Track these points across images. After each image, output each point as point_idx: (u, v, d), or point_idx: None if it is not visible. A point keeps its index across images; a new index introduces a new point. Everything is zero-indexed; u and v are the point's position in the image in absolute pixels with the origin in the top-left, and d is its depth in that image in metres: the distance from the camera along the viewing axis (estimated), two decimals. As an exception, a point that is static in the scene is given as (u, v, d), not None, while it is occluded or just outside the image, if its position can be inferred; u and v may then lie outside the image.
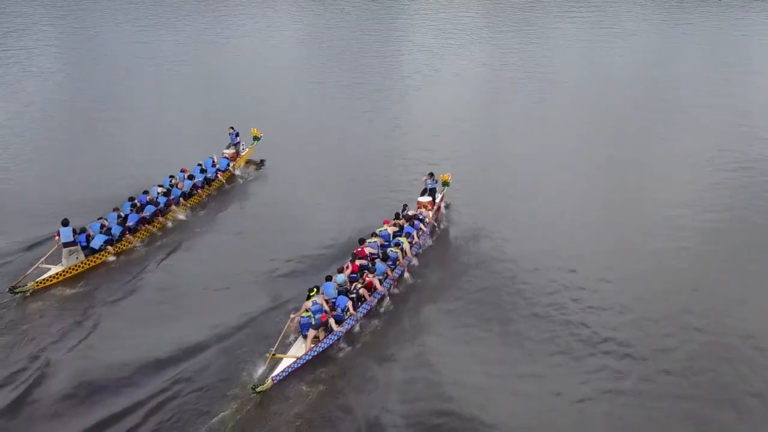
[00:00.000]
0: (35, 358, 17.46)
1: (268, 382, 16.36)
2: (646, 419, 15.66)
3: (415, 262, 21.72)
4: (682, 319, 18.88)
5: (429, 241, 23.09)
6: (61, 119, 35.13)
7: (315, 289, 18.71)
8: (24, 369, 17.05)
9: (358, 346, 18.15)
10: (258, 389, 16.11)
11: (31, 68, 43.68)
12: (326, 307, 18.09)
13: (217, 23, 57.11)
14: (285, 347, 17.76)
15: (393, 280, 20.47)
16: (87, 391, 16.39)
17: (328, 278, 19.29)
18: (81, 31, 55.16)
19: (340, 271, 19.91)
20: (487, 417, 15.63)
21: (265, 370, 16.93)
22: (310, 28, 56.45)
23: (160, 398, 16.09)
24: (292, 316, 18.14)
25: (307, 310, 17.88)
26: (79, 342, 18.21)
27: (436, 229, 23.83)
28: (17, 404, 15.98)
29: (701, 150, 30.18)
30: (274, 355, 17.26)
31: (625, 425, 15.55)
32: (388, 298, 19.98)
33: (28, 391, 16.36)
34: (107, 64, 45.33)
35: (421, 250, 22.38)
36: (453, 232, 24.04)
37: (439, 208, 24.37)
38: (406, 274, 21.09)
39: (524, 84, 39.90)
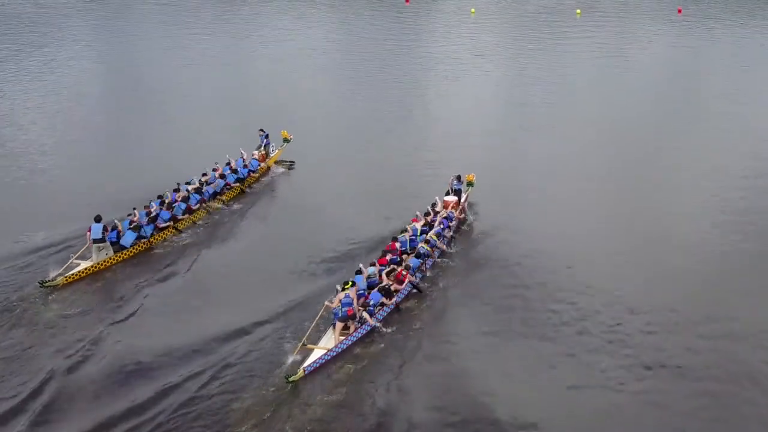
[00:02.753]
0: (65, 347, 17.01)
1: (300, 373, 15.89)
2: (667, 421, 15.02)
3: (442, 258, 21.22)
4: (705, 326, 18.13)
5: (455, 236, 22.66)
6: (98, 120, 34.96)
7: (351, 282, 18.24)
8: (54, 358, 16.59)
9: (386, 339, 17.64)
10: (290, 379, 15.65)
11: (70, 72, 43.57)
12: (355, 302, 17.55)
13: (248, 31, 56.92)
14: (316, 338, 17.24)
15: (423, 272, 20.10)
16: (116, 381, 15.95)
17: (358, 271, 18.89)
18: (119, 37, 55.34)
19: (372, 264, 19.44)
20: (511, 414, 15.07)
21: (297, 360, 16.43)
22: (340, 35, 56.25)
23: (192, 385, 15.63)
24: (327, 303, 17.68)
25: (339, 302, 17.41)
26: (109, 333, 17.73)
27: (461, 227, 23.38)
28: (55, 391, 15.55)
29: (724, 161, 29.21)
30: (305, 345, 16.78)
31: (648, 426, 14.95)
32: (417, 293, 19.43)
33: (65, 378, 15.96)
34: (143, 68, 45.27)
35: (447, 247, 21.80)
36: (477, 230, 23.51)
37: (463, 207, 23.89)
38: (434, 270, 20.60)
39: (544, 94, 39.04)
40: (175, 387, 15.57)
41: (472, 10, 63.53)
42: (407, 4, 66.68)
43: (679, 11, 63.70)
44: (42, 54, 47.04)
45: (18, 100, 37.10)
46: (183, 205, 23.17)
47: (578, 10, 63.47)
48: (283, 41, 52.89)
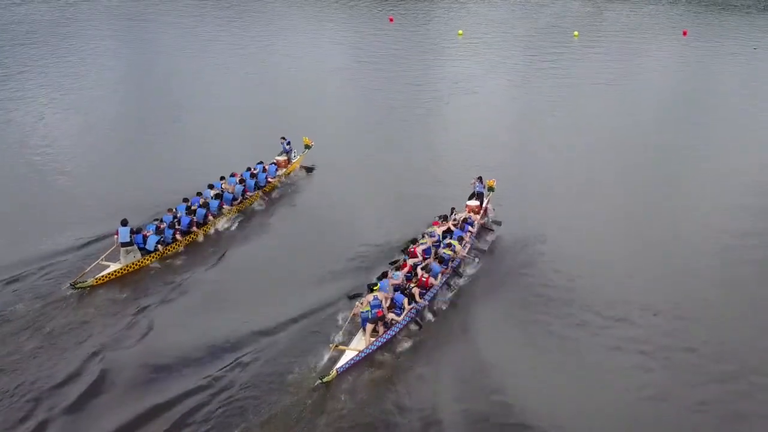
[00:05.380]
0: (98, 347, 16.67)
1: (333, 373, 15.51)
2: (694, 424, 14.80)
3: (465, 263, 20.78)
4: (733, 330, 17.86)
5: (477, 244, 22.13)
6: (123, 126, 34.56)
7: (377, 285, 17.84)
8: (88, 357, 16.27)
9: (414, 340, 17.34)
10: (324, 379, 15.29)
11: (95, 79, 43.10)
12: (384, 304, 17.14)
13: (270, 37, 56.40)
14: (347, 340, 16.90)
15: (446, 274, 19.58)
16: (148, 378, 15.66)
17: (384, 275, 18.45)
18: (141, 45, 55.17)
19: (397, 269, 19.02)
20: (540, 416, 14.82)
21: (328, 361, 16.06)
22: (361, 39, 55.77)
23: (224, 384, 15.36)
24: (357, 303, 17.26)
25: (367, 304, 16.96)
26: (140, 332, 17.41)
27: (483, 231, 22.92)
28: (83, 389, 15.23)
29: (747, 168, 28.96)
30: (337, 346, 16.42)
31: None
32: (441, 296, 19.10)
33: (93, 376, 15.63)
34: (166, 74, 44.86)
35: (470, 252, 21.40)
36: (499, 235, 23.01)
37: (486, 212, 23.52)
38: (458, 274, 20.17)
39: (563, 103, 38.75)
40: (206, 386, 15.23)
41: (460, 31, 60.14)
42: (391, 22, 65.39)
43: (684, 33, 61.02)
44: (65, 62, 46.64)
45: (46, 107, 36.68)
46: (203, 211, 22.84)
47: (576, 32, 60.37)
48: (306, 46, 52.57)
